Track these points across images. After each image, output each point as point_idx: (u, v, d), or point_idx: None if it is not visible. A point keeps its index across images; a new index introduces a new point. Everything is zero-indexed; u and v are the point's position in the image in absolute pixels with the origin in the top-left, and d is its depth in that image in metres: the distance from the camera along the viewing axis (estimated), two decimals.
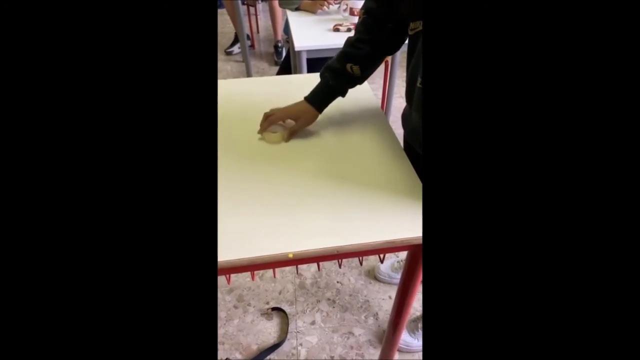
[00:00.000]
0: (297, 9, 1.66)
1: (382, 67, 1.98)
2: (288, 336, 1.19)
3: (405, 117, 0.85)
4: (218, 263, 0.57)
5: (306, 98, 0.81)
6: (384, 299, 1.30)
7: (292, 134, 0.81)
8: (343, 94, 0.82)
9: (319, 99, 0.80)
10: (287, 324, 1.21)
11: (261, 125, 0.82)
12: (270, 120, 0.81)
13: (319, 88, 0.80)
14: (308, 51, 1.40)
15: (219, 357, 1.14)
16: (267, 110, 0.83)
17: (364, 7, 0.76)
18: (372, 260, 1.41)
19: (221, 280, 1.34)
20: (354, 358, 1.14)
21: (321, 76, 0.80)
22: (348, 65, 0.76)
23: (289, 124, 0.83)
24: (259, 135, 0.83)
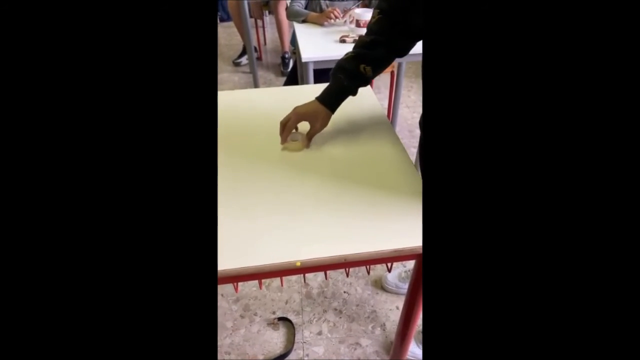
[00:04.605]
0: (304, 22, 1.69)
1: (388, 77, 2.00)
2: (294, 346, 1.18)
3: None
4: (226, 271, 0.57)
5: (319, 99, 0.81)
6: (391, 309, 1.28)
7: (310, 139, 0.83)
8: (354, 94, 0.83)
9: (332, 99, 0.81)
10: (294, 334, 1.20)
11: (281, 135, 0.82)
12: (289, 128, 0.81)
13: (332, 88, 0.81)
14: (315, 62, 1.42)
15: None
16: (273, 119, 0.84)
17: (378, 6, 0.77)
18: (379, 270, 1.40)
19: (228, 288, 1.34)
20: None
21: (333, 76, 0.80)
22: (361, 67, 0.77)
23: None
24: (265, 144, 0.83)
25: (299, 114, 0.81)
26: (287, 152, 0.82)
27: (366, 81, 0.80)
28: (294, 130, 0.83)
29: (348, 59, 0.79)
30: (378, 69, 0.80)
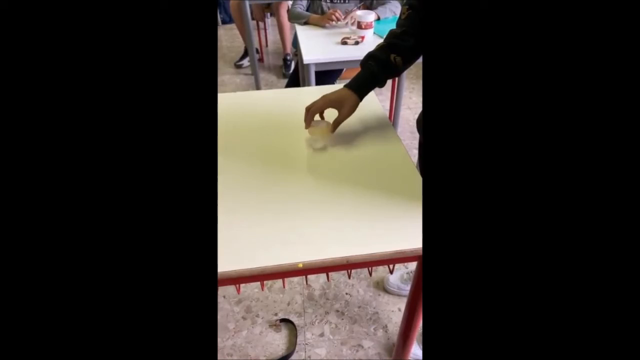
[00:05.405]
0: (305, 23, 1.69)
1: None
2: (296, 348, 1.18)
3: (421, 121, 0.85)
4: (227, 272, 0.57)
5: (347, 85, 0.82)
6: (394, 310, 1.28)
7: (337, 124, 0.83)
8: (383, 84, 0.84)
9: (361, 86, 0.82)
10: (296, 336, 1.20)
11: (305, 120, 0.83)
12: (312, 112, 0.82)
13: (362, 75, 0.82)
14: (316, 64, 1.42)
15: None
16: (274, 121, 0.84)
17: (407, 3, 0.79)
18: (381, 271, 1.40)
19: (230, 290, 1.34)
20: None
21: (364, 65, 0.82)
22: (392, 56, 0.79)
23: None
24: (267, 146, 0.84)
25: (326, 99, 0.82)
26: (287, 154, 0.82)
27: (395, 72, 0.81)
28: (319, 118, 0.84)
29: (379, 48, 0.81)
30: (408, 61, 0.81)
